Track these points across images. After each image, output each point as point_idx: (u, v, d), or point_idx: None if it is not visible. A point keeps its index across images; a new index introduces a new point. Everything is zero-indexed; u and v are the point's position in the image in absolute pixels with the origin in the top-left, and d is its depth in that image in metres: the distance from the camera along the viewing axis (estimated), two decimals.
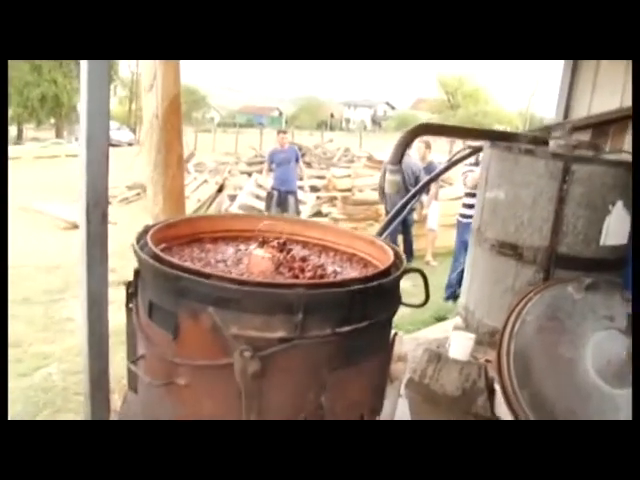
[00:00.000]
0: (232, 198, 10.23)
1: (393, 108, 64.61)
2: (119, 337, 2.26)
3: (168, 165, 2.43)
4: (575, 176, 2.63)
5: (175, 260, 1.66)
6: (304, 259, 1.81)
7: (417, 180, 6.36)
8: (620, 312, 2.39)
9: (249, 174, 11.54)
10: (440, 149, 12.44)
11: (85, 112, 1.86)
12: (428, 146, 7.53)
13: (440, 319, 4.88)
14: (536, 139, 2.99)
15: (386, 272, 1.72)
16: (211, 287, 1.48)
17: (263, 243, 1.81)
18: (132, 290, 1.81)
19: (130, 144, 24.26)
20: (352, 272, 1.91)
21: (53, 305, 5.63)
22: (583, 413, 2.26)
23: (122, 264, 4.08)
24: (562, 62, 4.26)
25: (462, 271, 5.74)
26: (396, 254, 1.86)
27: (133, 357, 1.80)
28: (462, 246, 5.93)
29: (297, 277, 1.67)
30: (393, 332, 1.87)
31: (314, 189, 10.40)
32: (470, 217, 5.65)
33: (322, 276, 1.71)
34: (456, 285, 5.95)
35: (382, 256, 1.94)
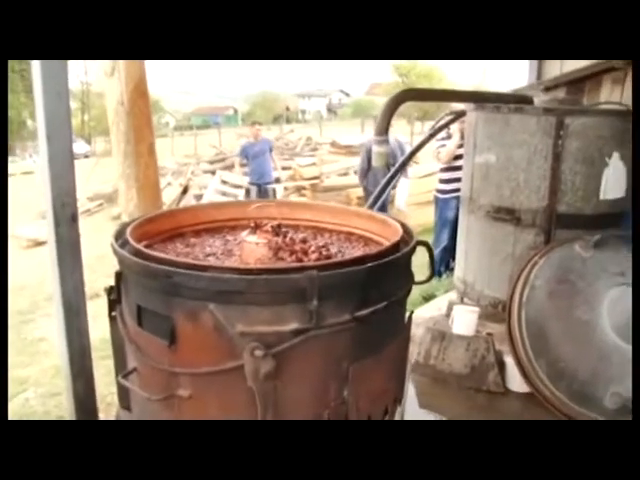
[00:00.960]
0: (198, 198, 10.08)
1: (348, 95, 64.64)
2: (98, 352, 2.06)
3: (139, 154, 2.20)
4: (569, 130, 2.51)
5: (163, 255, 1.46)
6: (304, 240, 1.63)
7: (395, 158, 6.19)
8: (629, 267, 2.29)
9: (212, 172, 11.37)
10: (399, 130, 12.36)
11: (42, 106, 1.65)
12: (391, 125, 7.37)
13: (428, 298, 4.74)
14: (522, 98, 2.86)
15: (397, 246, 1.56)
16: (209, 280, 1.28)
17: (255, 228, 1.62)
18: (114, 296, 1.61)
19: (86, 156, 23.66)
20: (355, 251, 1.74)
21: (24, 326, 5.42)
22: (606, 376, 2.15)
23: (92, 277, 3.87)
24: None
25: (444, 248, 5.71)
26: (403, 227, 1.70)
27: (123, 371, 1.60)
28: (442, 223, 5.82)
29: (301, 261, 1.49)
30: (408, 312, 1.71)
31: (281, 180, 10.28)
32: (449, 192, 5.58)
33: (328, 257, 1.52)
34: (439, 262, 5.86)
35: (384, 231, 1.77)
